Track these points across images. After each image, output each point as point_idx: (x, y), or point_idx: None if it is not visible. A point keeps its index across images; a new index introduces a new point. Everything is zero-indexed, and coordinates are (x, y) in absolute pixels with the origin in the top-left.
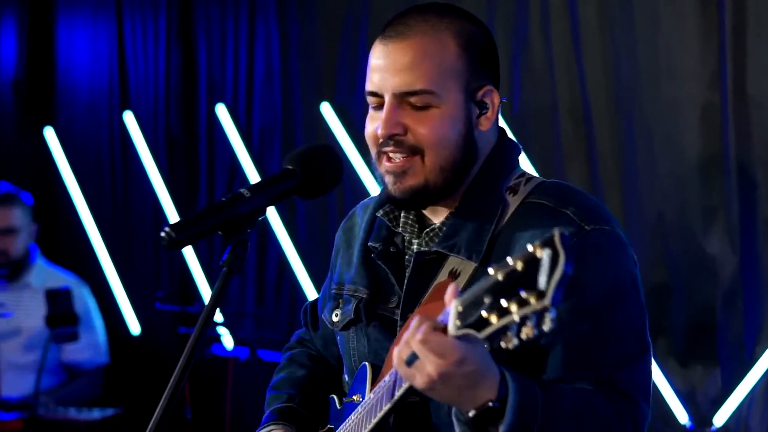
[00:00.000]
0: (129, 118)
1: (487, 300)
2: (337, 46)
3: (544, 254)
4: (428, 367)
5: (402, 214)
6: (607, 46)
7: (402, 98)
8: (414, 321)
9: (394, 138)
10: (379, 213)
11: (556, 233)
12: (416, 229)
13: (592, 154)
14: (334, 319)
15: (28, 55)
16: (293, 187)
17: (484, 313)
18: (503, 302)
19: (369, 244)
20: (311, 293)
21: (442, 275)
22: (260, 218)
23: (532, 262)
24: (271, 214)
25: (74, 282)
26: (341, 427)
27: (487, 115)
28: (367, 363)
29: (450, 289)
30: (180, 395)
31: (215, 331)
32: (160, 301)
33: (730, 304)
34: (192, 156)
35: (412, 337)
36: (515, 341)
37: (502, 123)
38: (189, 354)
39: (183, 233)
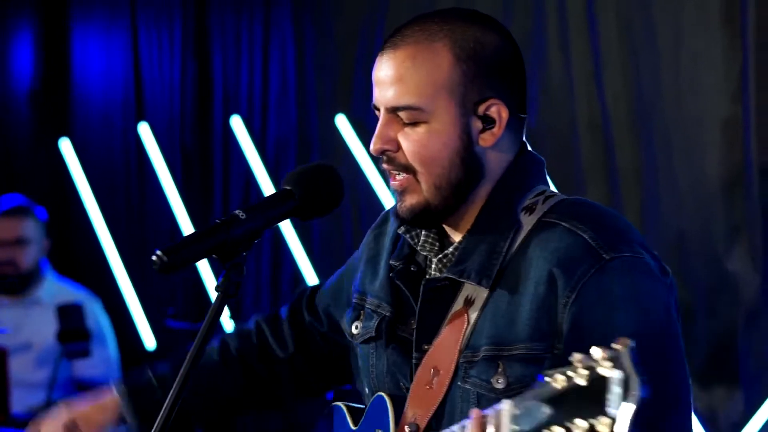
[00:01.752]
0: (144, 130)
1: (546, 411)
2: (354, 58)
3: (614, 375)
4: None
5: (423, 232)
6: (627, 61)
7: (393, 113)
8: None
9: (385, 154)
10: (401, 230)
11: (625, 350)
12: (436, 248)
13: (612, 172)
14: (354, 331)
15: (43, 66)
16: (291, 209)
17: (544, 430)
18: (568, 423)
19: (390, 262)
20: None
21: (458, 303)
22: (257, 240)
23: (599, 381)
24: (286, 227)
25: (85, 297)
26: None
27: (493, 130)
28: (386, 396)
29: (475, 414)
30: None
31: None
32: (171, 317)
33: (753, 324)
34: (207, 167)
35: None
36: None
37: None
38: (183, 376)
39: (175, 257)
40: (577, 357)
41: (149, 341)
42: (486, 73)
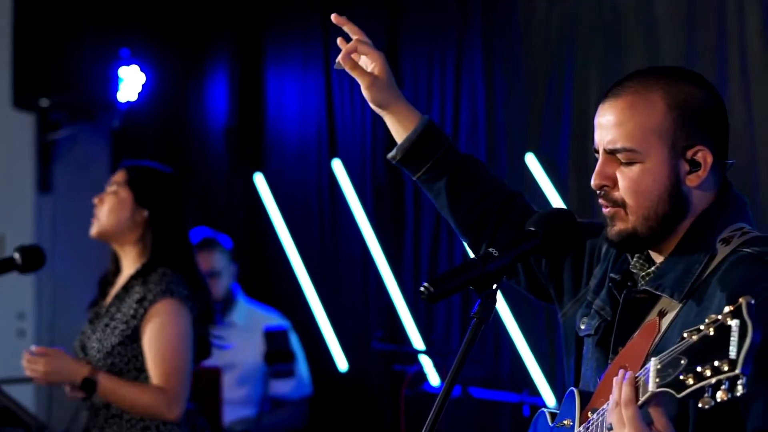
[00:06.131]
0: (337, 166)
1: (683, 362)
2: (543, 98)
3: (733, 324)
4: None
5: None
6: None
7: (612, 154)
8: (617, 378)
9: (602, 189)
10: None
11: (744, 303)
12: (645, 267)
13: None
14: (582, 326)
15: (239, 104)
16: (536, 247)
17: (681, 376)
18: (698, 367)
19: (609, 274)
20: (514, 331)
21: (653, 313)
22: (506, 274)
23: (723, 329)
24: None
25: (277, 318)
26: None
27: (698, 173)
28: (575, 390)
29: (620, 373)
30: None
31: (423, 368)
32: (378, 340)
33: None
34: (398, 202)
35: (613, 406)
36: (711, 402)
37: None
38: (442, 399)
39: (440, 288)
40: (711, 316)
41: (342, 363)
42: (694, 122)
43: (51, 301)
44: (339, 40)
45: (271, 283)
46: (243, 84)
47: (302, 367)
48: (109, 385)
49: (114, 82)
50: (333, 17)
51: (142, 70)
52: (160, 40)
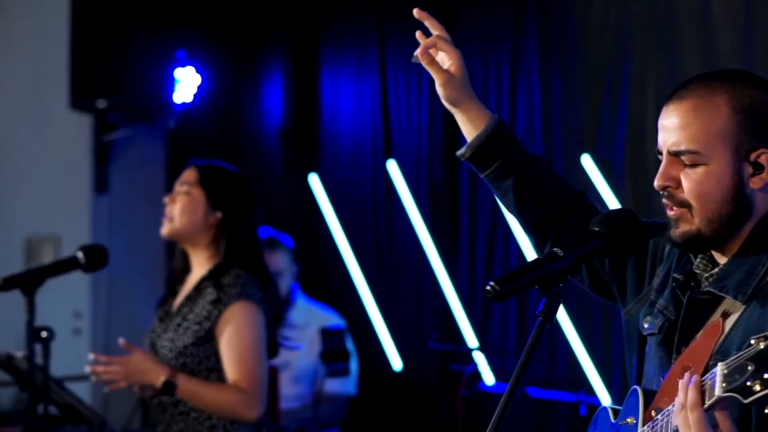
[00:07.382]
0: (392, 166)
1: (750, 368)
2: (599, 99)
3: None
4: None
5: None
6: None
7: (676, 155)
8: (682, 381)
9: (666, 190)
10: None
11: None
12: (708, 268)
13: None
14: (645, 325)
15: (294, 105)
16: (600, 247)
17: (748, 382)
18: (765, 374)
19: (673, 274)
20: (570, 331)
21: (716, 314)
22: (570, 274)
23: None
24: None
25: (335, 318)
26: None
27: (762, 175)
28: (638, 388)
29: (686, 376)
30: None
31: (478, 367)
32: (435, 340)
33: None
34: (453, 203)
35: (678, 409)
36: None
37: None
38: (507, 397)
39: (506, 287)
40: None
41: (396, 363)
42: (758, 126)
43: (107, 301)
44: (418, 34)
45: (326, 283)
46: (298, 85)
47: (353, 366)
48: (189, 386)
49: (170, 84)
50: (415, 12)
51: (197, 72)
52: (215, 41)
